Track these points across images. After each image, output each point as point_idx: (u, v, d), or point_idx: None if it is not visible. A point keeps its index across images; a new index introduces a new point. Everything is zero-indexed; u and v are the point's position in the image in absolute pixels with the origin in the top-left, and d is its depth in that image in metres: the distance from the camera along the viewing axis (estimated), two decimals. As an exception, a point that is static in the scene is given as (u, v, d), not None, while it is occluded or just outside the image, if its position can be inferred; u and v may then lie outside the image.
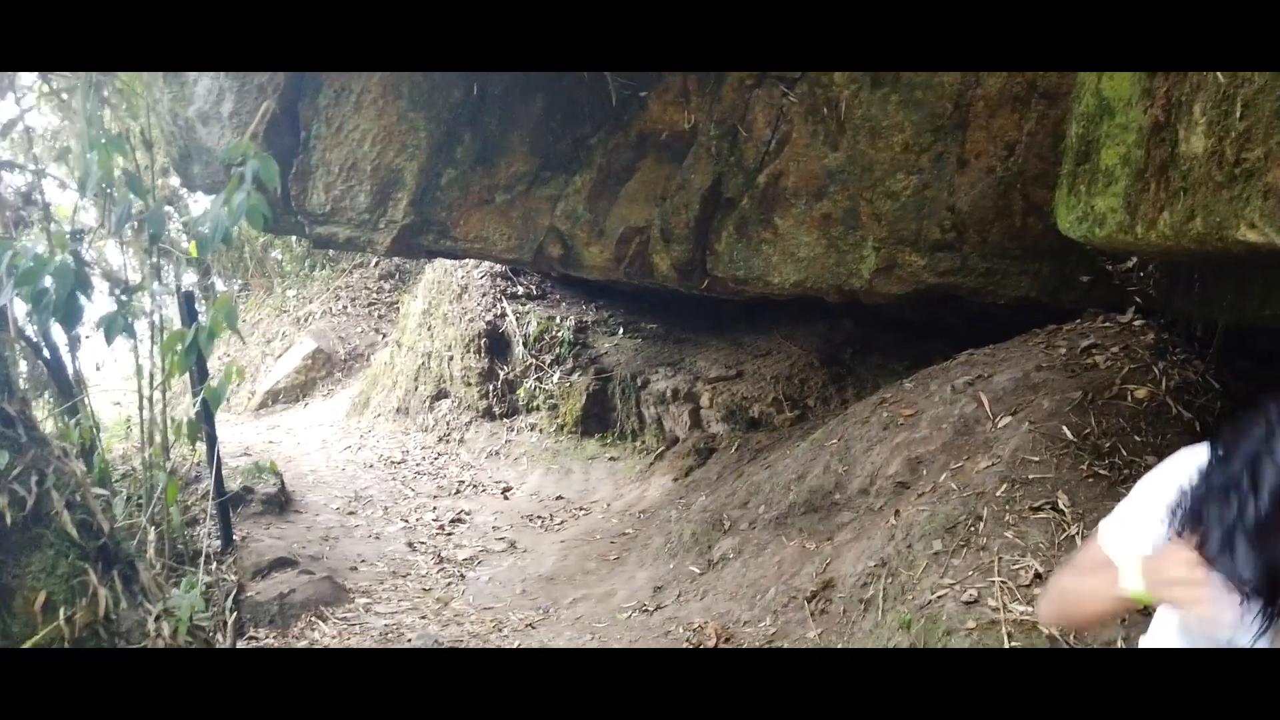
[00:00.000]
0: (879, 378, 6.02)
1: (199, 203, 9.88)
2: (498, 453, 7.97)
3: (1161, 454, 3.74)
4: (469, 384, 8.51)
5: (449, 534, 6.37)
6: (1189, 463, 1.55)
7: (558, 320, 8.32)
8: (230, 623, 4.19)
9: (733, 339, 7.43)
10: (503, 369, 8.43)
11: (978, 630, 3.16)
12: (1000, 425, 4.05)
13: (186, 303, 5.26)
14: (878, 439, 4.61)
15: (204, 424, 5.00)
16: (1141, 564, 1.39)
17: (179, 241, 8.25)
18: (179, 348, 3.72)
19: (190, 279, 9.59)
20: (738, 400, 6.84)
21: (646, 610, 4.58)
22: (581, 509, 6.95)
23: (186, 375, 5.08)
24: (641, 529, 5.90)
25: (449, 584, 5.50)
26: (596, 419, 7.84)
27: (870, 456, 4.55)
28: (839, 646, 3.74)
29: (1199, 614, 1.27)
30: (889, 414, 4.70)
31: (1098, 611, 1.53)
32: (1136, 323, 4.35)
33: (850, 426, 4.92)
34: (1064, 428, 3.81)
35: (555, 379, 8.09)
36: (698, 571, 4.74)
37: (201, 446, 5.51)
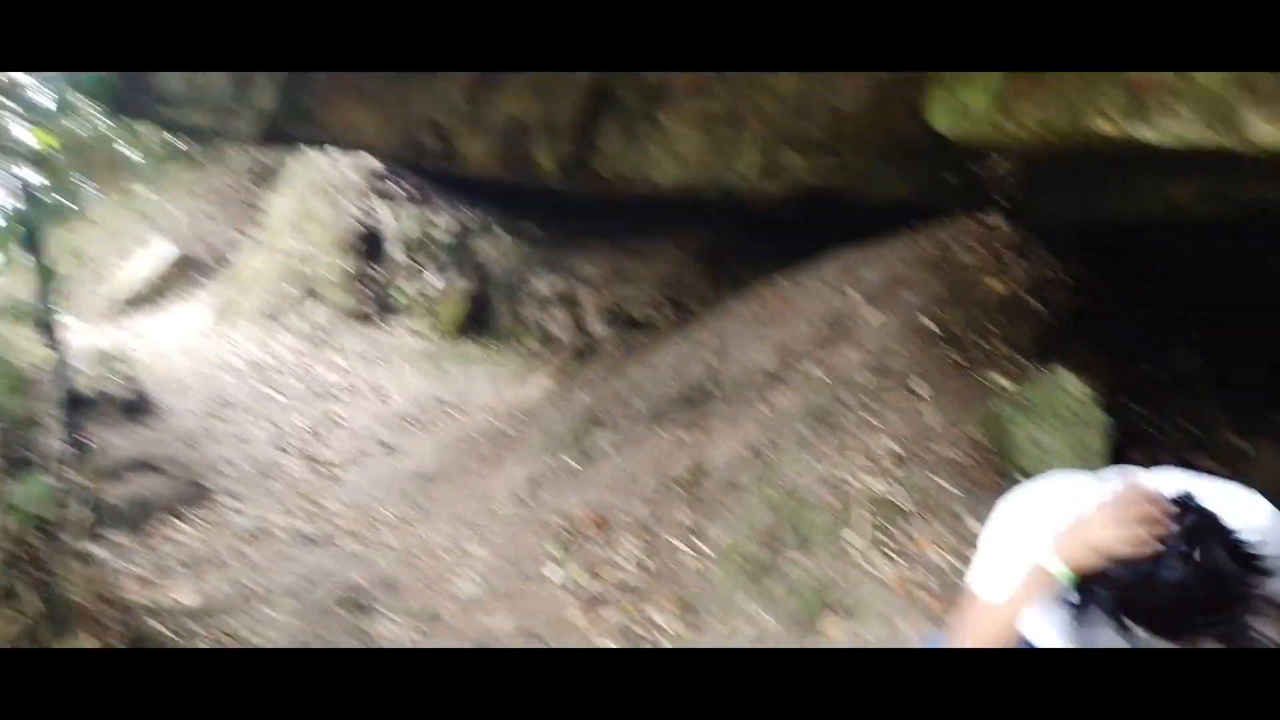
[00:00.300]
0: (758, 278, 6.10)
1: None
2: (373, 357, 7.76)
3: (1016, 345, 3.94)
4: (341, 287, 8.20)
5: (321, 438, 6.21)
6: (1046, 492, 1.49)
7: (436, 222, 8.07)
8: (83, 522, 3.98)
9: (615, 242, 7.38)
10: (378, 271, 8.15)
11: (838, 506, 3.31)
12: (868, 319, 4.19)
13: (24, 190, 4.83)
14: (753, 335, 4.70)
15: (45, 309, 4.65)
16: (1064, 538, 1.34)
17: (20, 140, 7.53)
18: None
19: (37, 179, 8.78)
20: (619, 302, 6.84)
21: (525, 505, 4.60)
22: (461, 411, 6.87)
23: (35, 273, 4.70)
24: (521, 429, 5.88)
25: (323, 486, 5.38)
26: (476, 322, 7.71)
27: (745, 351, 4.64)
28: (713, 531, 3.86)
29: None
30: (765, 311, 4.79)
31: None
32: (998, 222, 4.53)
33: (727, 323, 4.99)
34: (927, 320, 3.96)
35: (433, 282, 7.88)
36: (576, 466, 4.78)
37: (49, 353, 5.14)
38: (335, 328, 8.10)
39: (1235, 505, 1.39)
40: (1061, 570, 1.33)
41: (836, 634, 2.98)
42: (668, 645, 3.30)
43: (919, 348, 3.89)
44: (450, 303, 7.76)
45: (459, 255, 7.98)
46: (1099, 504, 1.32)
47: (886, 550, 3.14)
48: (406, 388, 7.36)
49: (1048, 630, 1.40)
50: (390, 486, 5.28)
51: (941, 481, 3.30)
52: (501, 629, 3.45)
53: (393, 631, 3.31)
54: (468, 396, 7.11)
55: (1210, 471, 3.48)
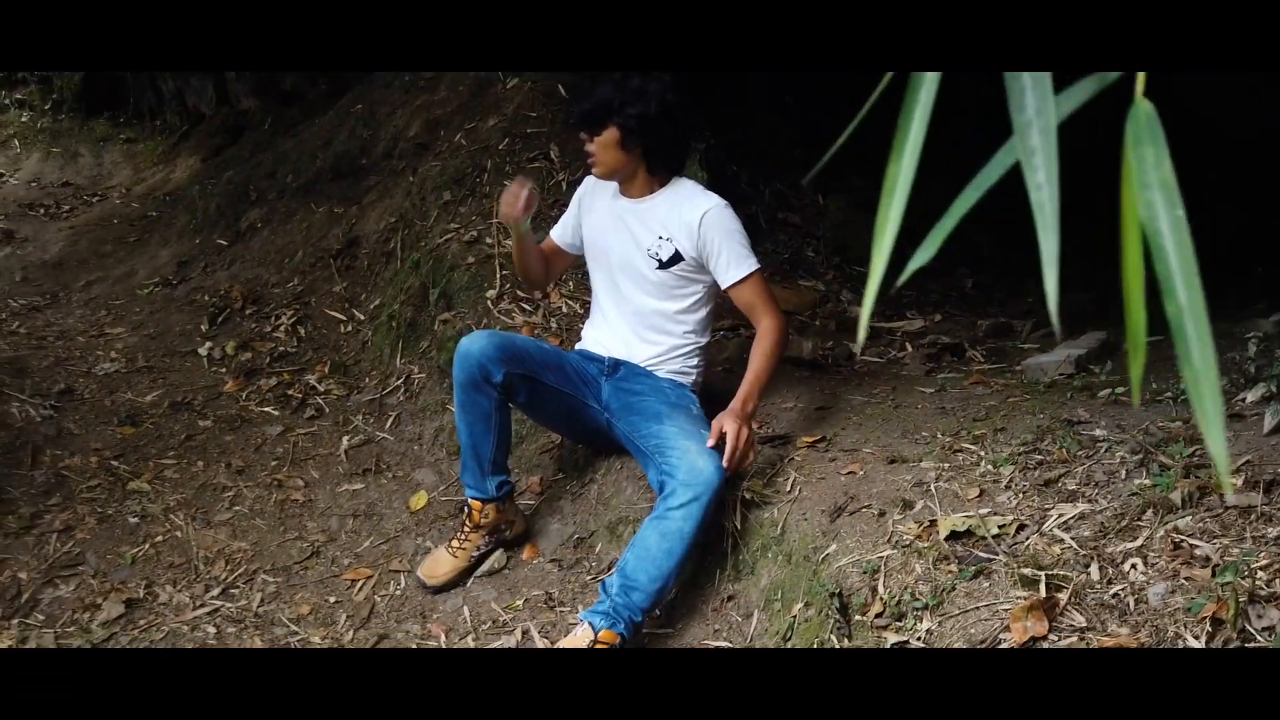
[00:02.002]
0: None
1: None
2: (-22, 136, 6.75)
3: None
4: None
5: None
6: None
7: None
8: None
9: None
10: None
11: (476, 264, 3.60)
12: (509, 85, 4.34)
13: None
14: (401, 102, 4.70)
15: None
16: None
17: None
18: None
19: None
20: (266, 72, 6.39)
21: (170, 284, 4.46)
22: (96, 195, 6.27)
23: None
24: (166, 211, 5.53)
25: (-73, 280, 4.81)
26: (103, 95, 6.89)
27: (394, 120, 4.65)
28: (364, 297, 4.03)
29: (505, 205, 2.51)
30: (410, 76, 4.77)
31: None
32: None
33: (375, 91, 4.92)
34: (559, 85, 4.19)
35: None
36: (225, 244, 4.66)
37: None
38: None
39: (697, 201, 2.48)
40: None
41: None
42: (324, 407, 3.50)
43: (551, 111, 4.13)
44: (67, 73, 6.83)
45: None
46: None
47: (520, 303, 3.49)
48: (25, 171, 6.55)
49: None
50: (10, 274, 4.85)
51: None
52: (146, 400, 3.47)
53: (22, 411, 3.22)
54: (101, 179, 6.48)
55: (793, 225, 4.09)
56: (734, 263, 2.45)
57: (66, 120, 6.92)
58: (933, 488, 2.12)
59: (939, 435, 2.39)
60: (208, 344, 3.84)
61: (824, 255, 4.03)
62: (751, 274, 2.46)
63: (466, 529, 2.62)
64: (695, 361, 2.62)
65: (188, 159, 6.31)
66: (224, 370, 3.69)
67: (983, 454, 2.22)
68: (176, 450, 3.20)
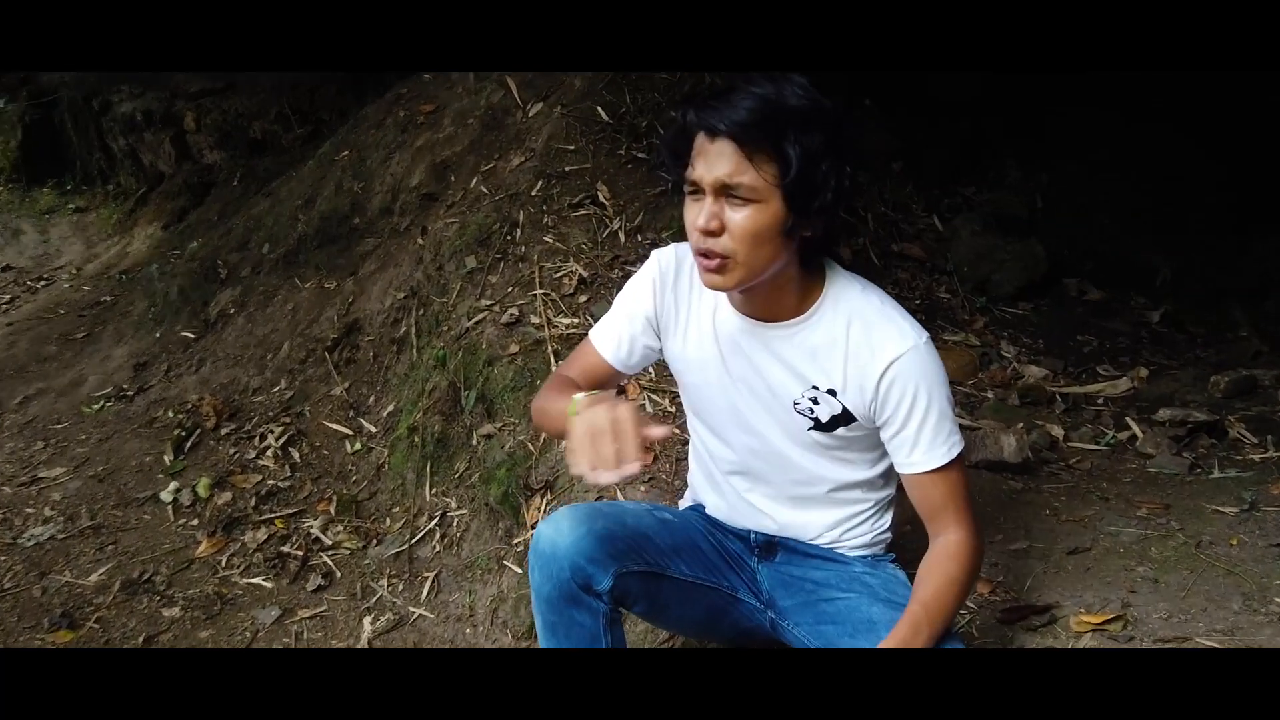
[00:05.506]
0: (400, 76, 5.07)
1: None
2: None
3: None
4: None
5: None
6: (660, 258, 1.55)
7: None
8: None
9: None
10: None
11: (522, 354, 2.68)
12: (531, 114, 3.44)
13: None
14: (396, 144, 3.79)
15: None
16: (582, 400, 1.30)
17: None
18: None
19: None
20: (232, 119, 5.49)
21: (125, 396, 3.54)
22: (41, 279, 5.35)
23: None
24: (121, 294, 4.62)
25: None
26: (46, 160, 5.98)
27: (390, 167, 3.74)
28: (374, 402, 3.11)
29: (573, 464, 1.22)
30: (406, 112, 3.87)
31: (562, 429, 1.34)
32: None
33: (364, 133, 4.02)
34: (598, 109, 3.29)
35: (-31, 111, 5.93)
36: (192, 336, 3.74)
37: None
38: None
39: (881, 337, 1.39)
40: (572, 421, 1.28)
41: (536, 516, 2.43)
42: (334, 569, 2.59)
43: (591, 143, 3.22)
44: (2, 136, 5.92)
45: None
46: (626, 405, 1.24)
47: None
48: (-42, 256, 5.63)
49: None
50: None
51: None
52: (90, 582, 2.54)
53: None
54: (48, 259, 5.56)
55: (914, 257, 3.19)
56: (928, 442, 1.42)
57: (5, 192, 5.99)
58: None
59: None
60: (173, 484, 2.92)
61: (962, 296, 3.12)
62: (952, 461, 1.43)
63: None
64: (888, 518, 1.68)
65: (146, 227, 5.39)
66: (195, 523, 2.77)
67: None
68: (133, 661, 2.27)
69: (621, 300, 1.60)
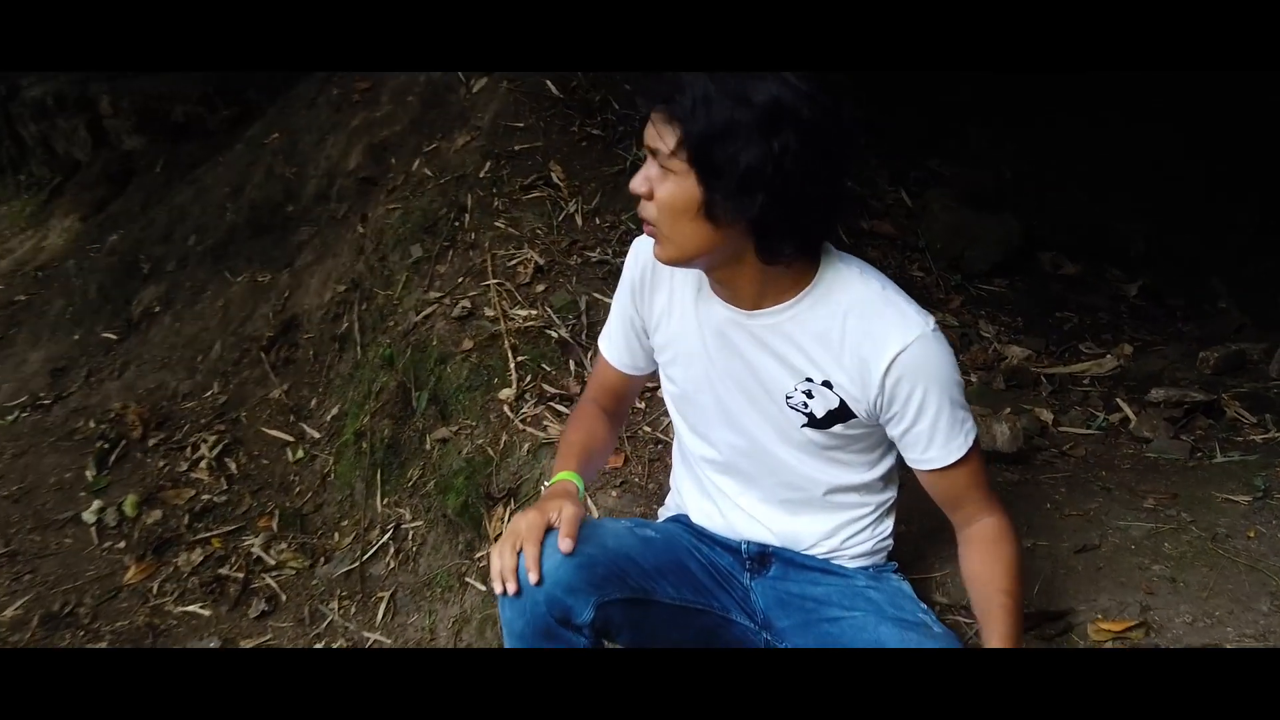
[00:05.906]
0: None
1: None
2: None
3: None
4: None
5: None
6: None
7: None
8: None
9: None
10: None
11: (477, 350, 2.48)
12: (475, 89, 3.21)
13: None
14: (331, 125, 3.54)
15: None
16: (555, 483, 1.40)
17: None
18: None
19: None
20: (152, 102, 5.15)
21: (41, 405, 3.26)
22: (-52, 279, 4.97)
23: None
24: (36, 293, 4.30)
25: None
26: (-51, 150, 5.57)
27: (324, 150, 3.49)
28: (316, 405, 2.88)
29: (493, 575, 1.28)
30: (340, 90, 3.61)
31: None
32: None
33: (295, 114, 3.75)
34: (547, 82, 3.08)
35: None
36: (114, 338, 3.47)
37: None
38: None
39: (884, 326, 1.25)
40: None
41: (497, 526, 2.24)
42: (279, 592, 2.38)
43: (543, 120, 3.02)
44: (-104, 126, 5.49)
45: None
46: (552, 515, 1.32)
47: (551, 404, 2.37)
48: None
49: None
50: None
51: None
52: (4, 618, 2.30)
53: None
54: (-44, 256, 5.17)
55: (885, 235, 3.04)
56: (944, 437, 1.30)
57: (-93, 186, 5.58)
58: None
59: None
60: (96, 502, 2.67)
61: (936, 274, 2.98)
62: (968, 452, 1.31)
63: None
64: (889, 524, 1.52)
65: (62, 220, 5.04)
66: (123, 545, 2.53)
67: None
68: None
69: (615, 299, 1.52)
